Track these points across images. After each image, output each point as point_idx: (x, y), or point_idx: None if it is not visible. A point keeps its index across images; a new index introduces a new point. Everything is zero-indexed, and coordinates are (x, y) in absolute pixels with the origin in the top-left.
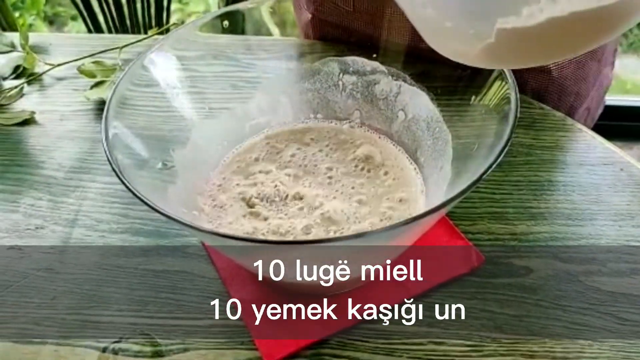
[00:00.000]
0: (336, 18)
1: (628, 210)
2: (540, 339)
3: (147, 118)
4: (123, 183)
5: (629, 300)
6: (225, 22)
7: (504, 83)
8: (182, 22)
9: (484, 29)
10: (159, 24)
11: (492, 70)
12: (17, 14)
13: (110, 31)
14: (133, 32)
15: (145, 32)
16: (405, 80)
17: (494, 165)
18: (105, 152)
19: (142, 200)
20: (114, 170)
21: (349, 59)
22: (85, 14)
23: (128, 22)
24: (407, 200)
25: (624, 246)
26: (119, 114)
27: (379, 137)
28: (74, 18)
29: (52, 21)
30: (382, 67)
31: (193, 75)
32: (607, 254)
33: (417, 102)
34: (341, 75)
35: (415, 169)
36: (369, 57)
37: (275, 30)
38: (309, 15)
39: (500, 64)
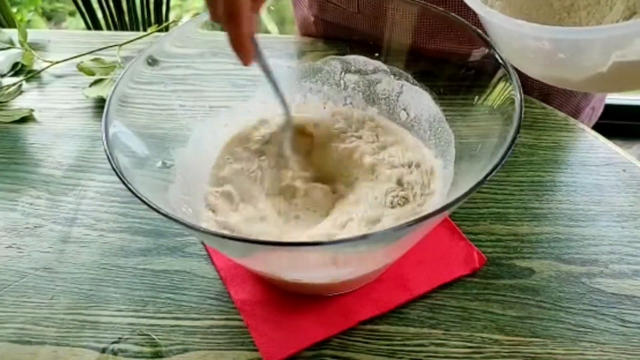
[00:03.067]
0: (339, 19)
1: (631, 211)
2: (542, 340)
3: (147, 116)
4: (124, 183)
5: (632, 302)
6: None
7: (508, 84)
8: (181, 18)
9: (598, 61)
10: (158, 20)
11: (496, 71)
12: (14, 10)
13: (108, 27)
14: (132, 28)
15: (144, 28)
16: (407, 80)
17: (498, 167)
18: (106, 151)
19: (142, 200)
20: (114, 169)
21: (351, 57)
22: (83, 9)
23: (127, 18)
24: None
25: (627, 247)
26: (119, 112)
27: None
28: (72, 14)
29: (50, 17)
30: (384, 66)
31: (193, 73)
32: (610, 255)
33: (419, 102)
34: (343, 74)
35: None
36: (371, 56)
37: (273, 28)
38: (312, 17)
39: (600, 89)
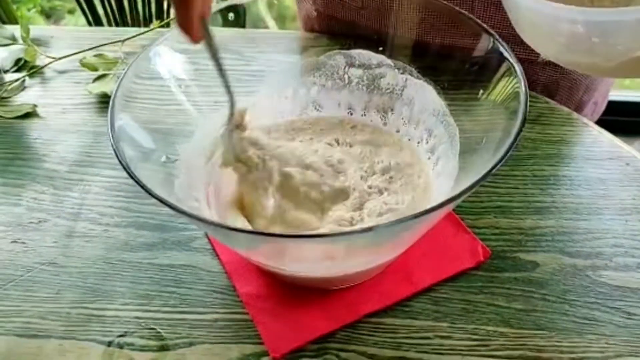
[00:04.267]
0: (343, 14)
1: (635, 205)
2: (547, 333)
3: (152, 111)
4: (132, 177)
5: (637, 294)
6: (231, 15)
7: (512, 78)
8: None
9: (632, 44)
10: (159, 16)
11: (500, 65)
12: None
13: (110, 24)
14: (133, 25)
15: (146, 25)
16: (411, 74)
17: (503, 161)
18: (112, 145)
19: (149, 192)
20: (121, 164)
21: (355, 52)
22: (84, 5)
23: (128, 13)
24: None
25: (631, 240)
26: (124, 107)
27: (384, 130)
28: (71, 12)
29: (49, 15)
30: (389, 61)
31: (197, 68)
32: (614, 248)
33: (423, 96)
34: (347, 68)
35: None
36: (375, 51)
37: (272, 23)
38: (314, 11)
39: (630, 75)
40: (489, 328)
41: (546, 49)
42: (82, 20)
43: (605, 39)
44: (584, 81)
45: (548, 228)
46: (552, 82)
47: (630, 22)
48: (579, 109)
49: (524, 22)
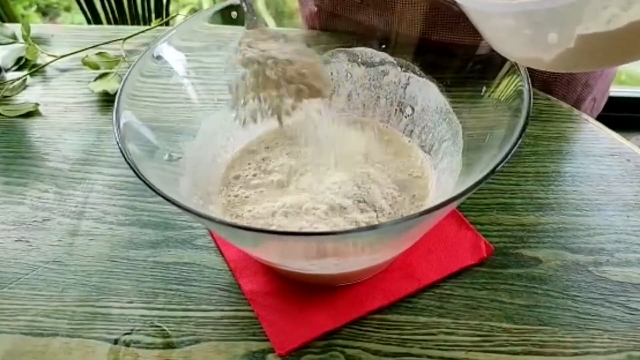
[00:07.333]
0: (343, 10)
1: (636, 200)
2: (550, 328)
3: (156, 109)
4: (138, 175)
5: (638, 289)
6: (234, 13)
7: (516, 76)
8: (177, 13)
9: (564, 35)
10: (159, 12)
11: (504, 63)
12: None
13: (108, 21)
14: (132, 21)
15: (145, 23)
16: (414, 72)
17: (507, 158)
18: (118, 143)
19: (157, 192)
20: (127, 162)
21: (358, 49)
22: (83, 3)
23: (127, 11)
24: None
25: (633, 236)
26: (129, 105)
27: (387, 128)
28: (67, 9)
29: (45, 13)
30: (391, 58)
31: (199, 66)
32: (616, 244)
33: (426, 93)
34: (350, 66)
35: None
36: (378, 48)
37: (270, 21)
38: (314, 7)
39: (574, 68)
40: (493, 324)
41: (498, 47)
42: (79, 17)
43: (534, 30)
44: (582, 77)
45: (550, 224)
46: (550, 78)
47: (549, 12)
48: (577, 104)
49: (476, 22)
